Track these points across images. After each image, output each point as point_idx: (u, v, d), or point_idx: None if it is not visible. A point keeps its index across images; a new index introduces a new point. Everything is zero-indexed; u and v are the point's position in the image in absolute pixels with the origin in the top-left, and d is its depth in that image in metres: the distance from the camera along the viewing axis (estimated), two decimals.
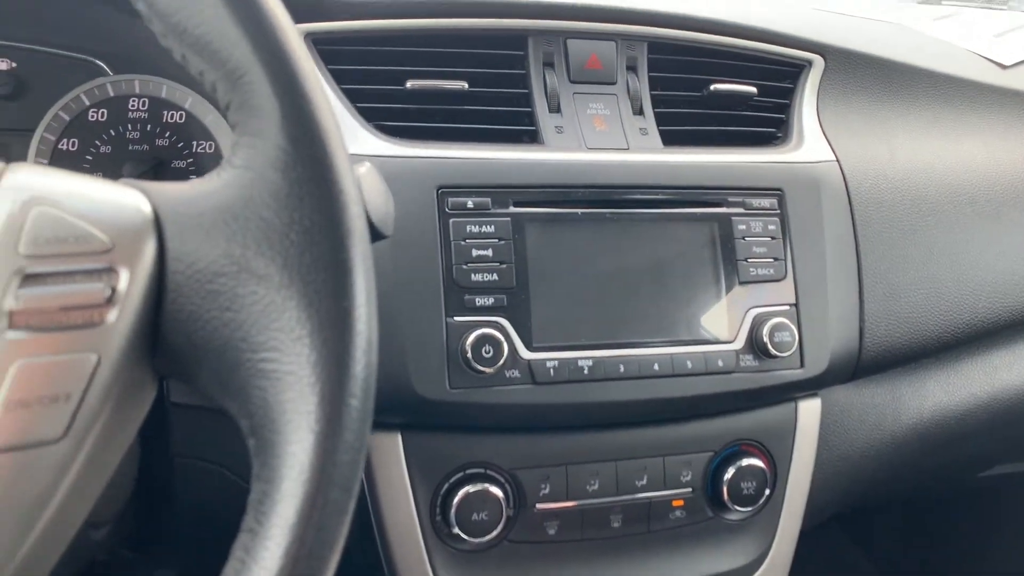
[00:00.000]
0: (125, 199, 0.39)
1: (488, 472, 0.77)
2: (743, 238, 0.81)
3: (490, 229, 0.75)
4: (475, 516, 0.76)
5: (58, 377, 0.36)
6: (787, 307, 0.82)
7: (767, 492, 0.86)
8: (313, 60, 0.41)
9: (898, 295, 0.90)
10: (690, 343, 0.79)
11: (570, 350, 0.75)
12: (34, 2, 0.80)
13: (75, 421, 0.37)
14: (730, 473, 0.84)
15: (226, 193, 0.39)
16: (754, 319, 0.80)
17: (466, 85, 0.80)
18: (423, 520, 0.77)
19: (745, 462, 0.84)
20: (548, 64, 0.84)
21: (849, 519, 1.22)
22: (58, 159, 0.81)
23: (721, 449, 0.84)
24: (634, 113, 0.85)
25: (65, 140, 0.82)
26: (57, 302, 0.36)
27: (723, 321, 0.80)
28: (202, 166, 0.84)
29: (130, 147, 0.83)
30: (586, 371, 0.75)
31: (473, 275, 0.74)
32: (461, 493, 0.76)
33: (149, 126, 0.83)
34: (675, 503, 0.83)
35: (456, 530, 0.76)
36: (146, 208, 0.39)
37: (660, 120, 0.85)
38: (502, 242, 0.75)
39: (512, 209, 0.76)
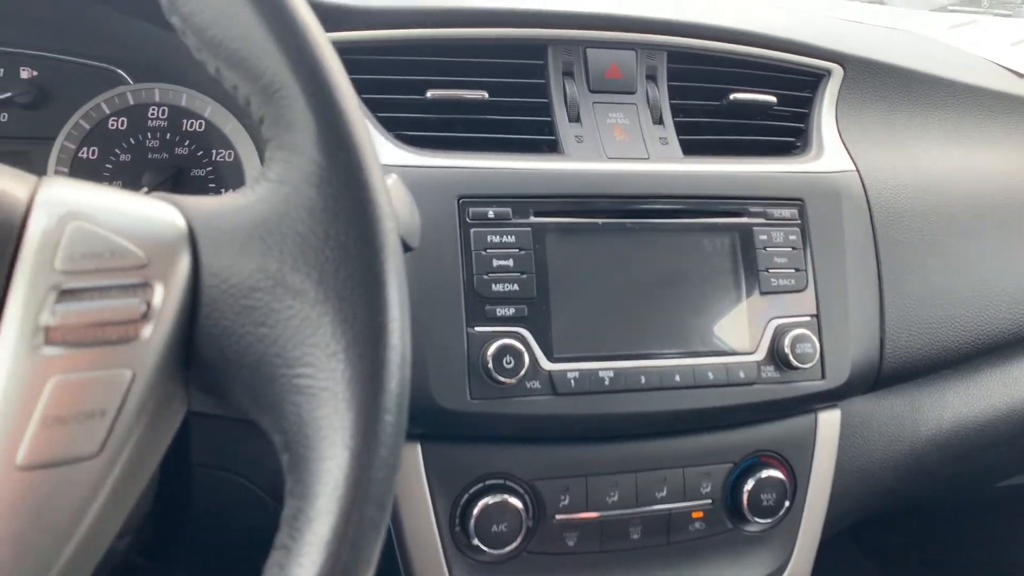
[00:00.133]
0: (159, 213, 0.39)
1: (507, 483, 0.77)
2: (764, 248, 0.81)
3: (510, 239, 0.75)
4: (495, 527, 0.76)
5: (94, 393, 0.36)
6: (808, 318, 0.82)
7: (787, 503, 0.86)
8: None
9: (918, 306, 0.90)
10: (711, 354, 0.78)
11: (591, 361, 0.75)
12: (56, 11, 0.80)
13: (110, 437, 0.37)
14: (750, 484, 0.83)
15: (261, 208, 0.39)
16: (775, 330, 0.80)
17: (486, 95, 0.80)
18: (442, 531, 0.76)
19: (765, 473, 0.84)
20: (568, 73, 0.83)
21: (863, 529, 1.21)
22: (78, 168, 0.81)
23: (741, 460, 0.84)
24: (654, 122, 0.85)
25: (85, 148, 0.82)
26: (93, 318, 0.36)
27: (744, 332, 0.79)
28: (221, 174, 0.84)
29: (150, 156, 0.83)
30: (607, 382, 0.75)
31: (494, 285, 0.74)
32: (481, 504, 0.76)
33: (169, 135, 0.83)
34: (695, 515, 0.83)
35: (475, 541, 0.76)
36: (180, 222, 0.39)
37: (680, 129, 0.85)
38: (523, 252, 0.75)
39: (532, 219, 0.76)
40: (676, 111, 0.86)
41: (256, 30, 0.39)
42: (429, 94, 0.79)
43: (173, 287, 0.38)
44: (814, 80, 0.92)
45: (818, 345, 0.81)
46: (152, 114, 0.83)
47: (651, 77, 0.85)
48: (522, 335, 0.74)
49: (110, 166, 0.82)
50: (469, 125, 0.80)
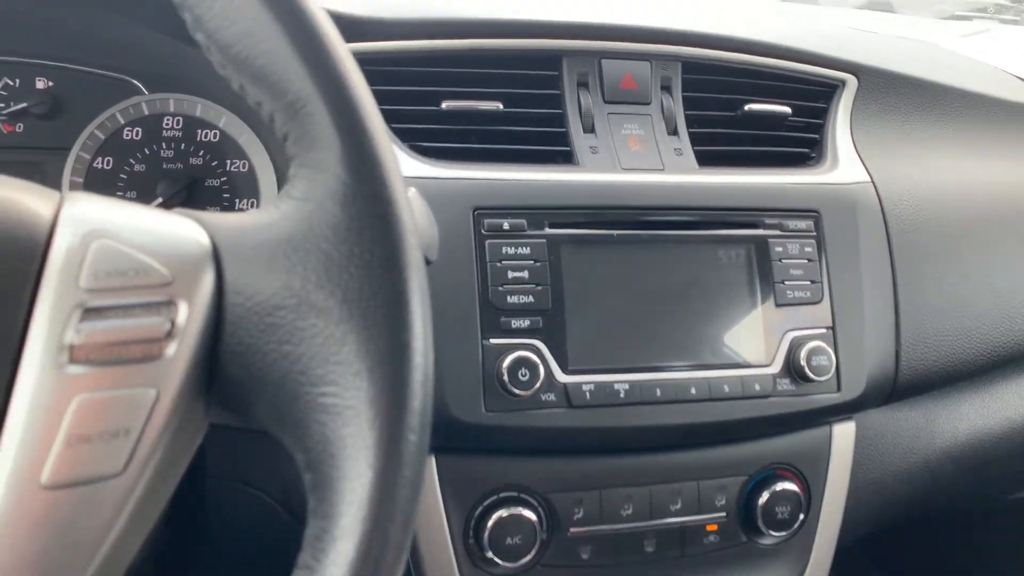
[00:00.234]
0: (183, 231, 0.39)
1: (522, 496, 0.77)
2: (780, 260, 0.81)
3: (525, 251, 0.75)
4: (509, 540, 0.76)
5: (118, 412, 0.36)
6: (824, 330, 0.81)
7: (801, 516, 0.85)
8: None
9: (934, 318, 0.89)
10: (726, 367, 0.78)
11: (606, 373, 0.75)
12: (71, 22, 0.80)
13: (134, 456, 0.36)
14: (764, 497, 0.83)
15: (285, 225, 0.39)
16: (791, 342, 0.79)
17: (501, 106, 0.80)
18: (456, 543, 0.76)
19: (779, 486, 0.83)
20: (582, 84, 0.83)
21: (877, 541, 1.20)
22: (93, 178, 0.82)
23: (755, 473, 0.84)
24: (668, 133, 0.84)
25: (100, 159, 0.82)
26: (117, 336, 0.36)
27: (760, 344, 0.79)
28: (235, 185, 0.84)
29: (164, 166, 0.83)
30: (622, 395, 0.75)
31: (509, 297, 0.74)
32: (495, 517, 0.75)
33: (183, 145, 0.83)
34: (709, 528, 0.82)
35: (489, 554, 0.76)
36: (204, 240, 0.39)
37: (695, 140, 0.85)
38: (537, 263, 0.75)
39: (547, 230, 0.76)
40: (691, 122, 0.85)
41: (281, 47, 0.38)
42: (444, 105, 0.79)
43: (197, 305, 0.38)
44: (828, 91, 0.92)
45: (834, 358, 0.80)
46: (167, 124, 0.83)
47: (666, 88, 0.85)
48: (537, 347, 0.73)
49: (125, 176, 0.82)
50: (484, 136, 0.80)
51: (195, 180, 0.83)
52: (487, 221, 0.75)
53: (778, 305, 0.80)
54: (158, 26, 0.76)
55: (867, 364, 0.83)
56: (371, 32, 0.78)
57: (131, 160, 0.82)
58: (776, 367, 0.79)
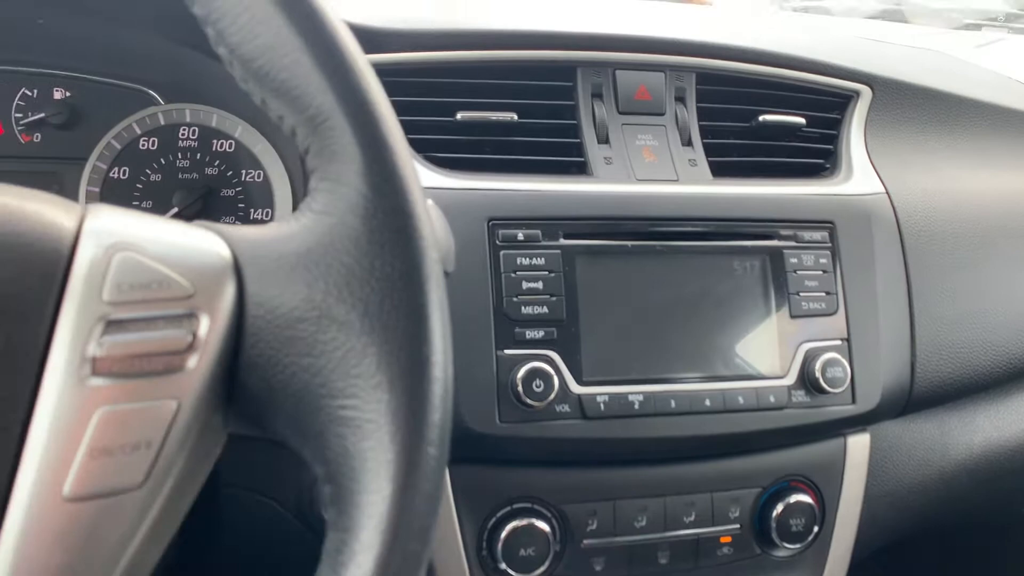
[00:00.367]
0: (205, 243, 0.39)
1: (535, 507, 0.77)
2: (795, 271, 0.80)
3: (540, 261, 0.75)
4: (522, 551, 0.76)
5: (139, 424, 0.36)
6: (839, 342, 0.81)
7: (815, 529, 0.85)
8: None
9: (949, 329, 0.89)
10: (741, 378, 0.78)
11: (620, 384, 0.75)
12: (89, 33, 0.81)
13: (154, 468, 0.36)
14: (778, 509, 0.82)
15: (306, 238, 0.39)
16: (806, 354, 0.79)
17: (515, 116, 0.80)
18: (469, 554, 0.76)
19: (793, 498, 0.83)
20: (597, 95, 0.83)
21: (891, 553, 1.19)
22: (109, 188, 0.82)
23: (769, 485, 0.83)
24: (683, 144, 0.84)
25: (116, 168, 0.82)
26: (139, 349, 0.36)
27: (775, 356, 0.79)
28: (250, 195, 0.84)
29: (180, 175, 0.83)
30: (637, 406, 0.74)
31: (523, 308, 0.74)
32: (508, 527, 0.75)
33: (199, 155, 0.84)
34: (723, 539, 0.82)
35: (503, 565, 0.76)
36: (225, 252, 0.39)
37: (709, 151, 0.85)
38: (552, 275, 0.75)
39: (562, 241, 0.76)
40: (705, 133, 0.85)
41: (303, 61, 0.39)
42: (459, 116, 0.79)
43: (218, 317, 0.38)
44: (842, 101, 0.92)
45: (849, 369, 0.80)
46: (183, 134, 0.84)
47: (680, 99, 0.85)
48: (551, 358, 0.73)
49: (141, 186, 0.83)
50: (498, 147, 0.80)
51: (210, 190, 0.83)
52: (502, 232, 0.75)
53: (793, 316, 0.80)
54: (175, 37, 0.76)
55: (882, 376, 0.83)
56: (387, 44, 0.78)
57: (147, 170, 0.83)
58: (791, 379, 0.79)
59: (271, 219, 0.84)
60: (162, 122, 0.83)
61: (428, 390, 0.38)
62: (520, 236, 0.75)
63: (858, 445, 0.87)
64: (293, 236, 0.39)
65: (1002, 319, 0.93)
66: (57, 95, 0.83)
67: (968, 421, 0.96)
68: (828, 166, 0.90)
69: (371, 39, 0.78)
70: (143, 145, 0.83)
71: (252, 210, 0.84)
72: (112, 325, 0.36)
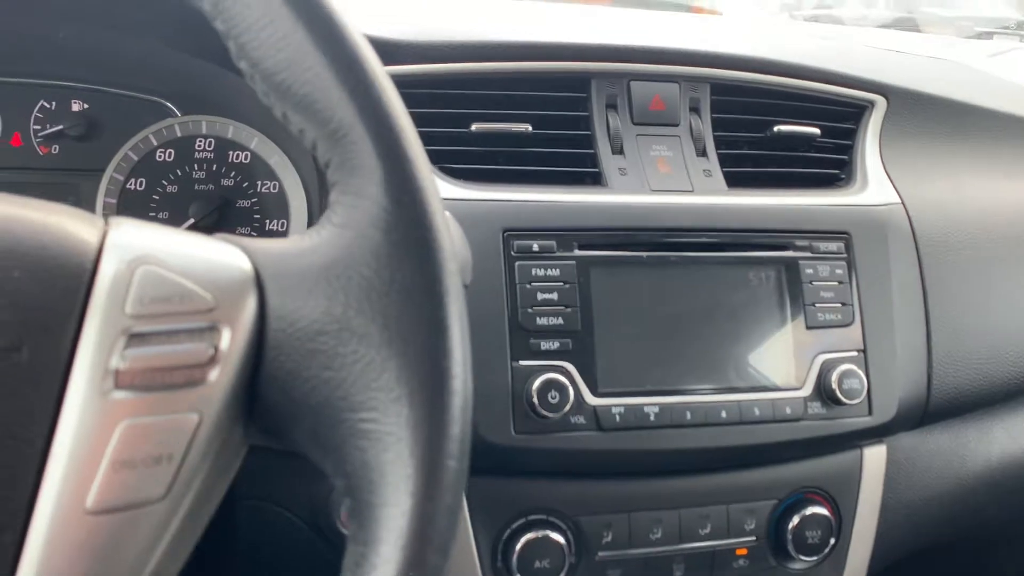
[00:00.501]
0: (226, 257, 0.40)
1: (550, 519, 0.76)
2: (810, 282, 0.80)
3: (555, 272, 0.75)
4: (537, 563, 0.75)
5: (162, 437, 0.36)
6: (855, 353, 0.80)
7: (832, 541, 0.84)
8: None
9: (966, 340, 0.88)
10: (757, 389, 0.77)
11: (636, 396, 0.74)
12: (107, 46, 0.81)
13: (176, 481, 0.37)
14: (794, 522, 0.82)
15: (327, 251, 0.39)
16: (822, 365, 0.79)
17: (530, 127, 0.80)
18: (484, 566, 0.76)
19: (810, 510, 0.82)
20: (611, 106, 0.83)
21: (908, 566, 1.19)
22: (126, 199, 0.83)
23: (785, 497, 0.83)
24: (697, 155, 0.84)
25: (133, 180, 0.83)
26: (162, 362, 0.36)
27: (790, 367, 0.78)
28: (266, 206, 0.85)
29: (196, 187, 0.84)
30: (652, 418, 0.74)
31: (538, 319, 0.74)
32: (523, 540, 0.75)
33: (215, 166, 0.84)
34: (739, 552, 0.82)
35: None
36: (246, 265, 0.39)
37: (723, 162, 0.85)
38: (567, 285, 0.75)
39: (577, 252, 0.76)
40: (720, 143, 0.85)
41: (325, 75, 0.39)
42: (474, 127, 0.79)
43: (240, 330, 0.38)
44: (857, 111, 0.92)
45: (865, 381, 0.80)
46: (199, 146, 0.84)
47: (694, 109, 0.85)
48: (567, 369, 0.73)
49: (157, 197, 0.83)
50: (513, 158, 0.80)
51: (226, 201, 0.84)
52: (517, 243, 0.75)
53: (808, 327, 0.79)
54: (192, 49, 0.77)
55: (899, 387, 0.83)
56: (402, 55, 0.78)
57: (163, 181, 0.83)
58: (807, 390, 0.79)
59: (286, 230, 0.84)
60: (178, 134, 0.84)
61: (448, 403, 0.38)
62: (535, 247, 0.75)
63: (874, 457, 0.86)
64: (314, 249, 0.40)
65: (1019, 329, 0.92)
66: (75, 107, 0.83)
67: (985, 432, 0.96)
68: (843, 176, 0.90)
69: (386, 51, 0.78)
70: (160, 156, 0.84)
71: (268, 221, 0.84)
72: (135, 338, 0.36)
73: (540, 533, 0.75)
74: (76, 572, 0.35)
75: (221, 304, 0.38)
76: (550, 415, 0.71)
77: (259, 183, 0.84)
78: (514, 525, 0.76)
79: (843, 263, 0.82)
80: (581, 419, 0.73)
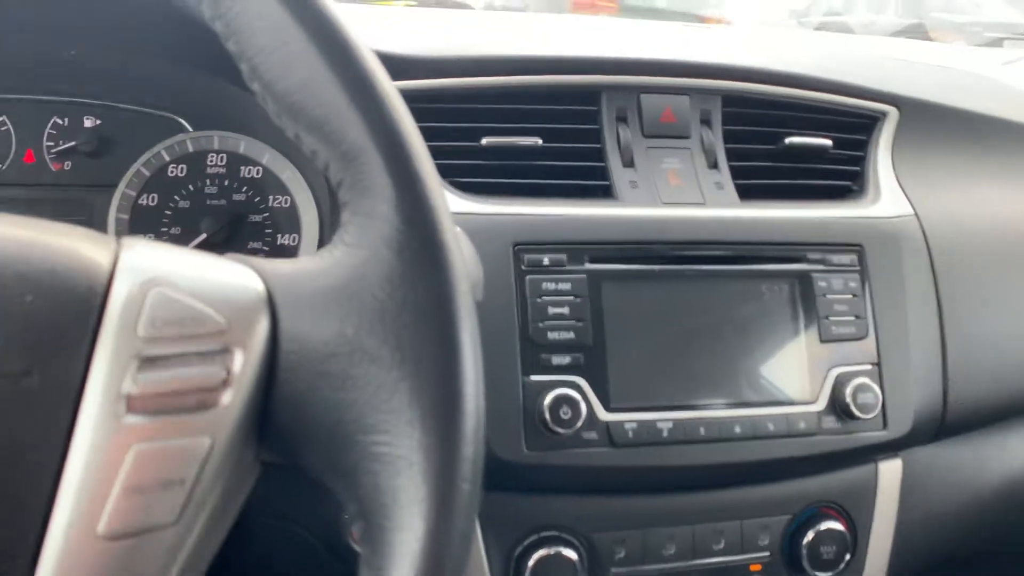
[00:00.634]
0: (238, 278, 0.39)
1: (563, 535, 0.76)
2: (824, 295, 0.79)
3: (566, 286, 0.75)
4: None
5: (173, 462, 0.36)
6: (869, 366, 0.80)
7: (847, 556, 0.83)
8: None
9: (981, 353, 0.88)
10: (770, 404, 0.77)
11: (649, 411, 0.74)
12: (119, 63, 0.82)
13: (188, 505, 0.36)
14: (809, 537, 0.81)
15: (338, 272, 0.39)
16: (836, 379, 0.78)
17: (540, 141, 0.80)
18: None
19: (824, 525, 0.82)
20: (621, 119, 0.83)
21: None
22: (138, 215, 0.83)
23: (800, 512, 0.82)
24: (709, 167, 0.84)
25: (145, 195, 0.83)
26: (174, 386, 0.36)
27: (804, 381, 0.78)
28: (278, 221, 0.85)
29: (208, 202, 0.84)
30: (665, 433, 0.74)
31: (549, 333, 0.73)
32: (535, 556, 0.74)
33: (227, 181, 0.84)
34: (753, 568, 0.81)
35: None
36: (259, 287, 0.39)
37: (735, 174, 0.84)
38: (578, 299, 0.75)
39: (588, 266, 0.76)
40: (731, 155, 0.85)
41: (338, 97, 0.39)
42: (484, 141, 0.79)
43: (252, 353, 0.38)
44: (869, 123, 0.91)
45: (880, 394, 0.79)
46: (211, 161, 0.84)
47: (705, 122, 0.85)
48: (578, 384, 0.73)
49: (169, 212, 0.83)
50: (523, 171, 0.80)
51: (238, 216, 0.84)
52: (527, 256, 0.75)
53: (822, 341, 0.79)
54: (204, 66, 0.77)
55: (914, 400, 0.82)
56: (412, 70, 0.79)
57: (176, 196, 0.84)
58: (821, 404, 0.78)
59: (298, 245, 0.84)
60: (190, 149, 0.84)
61: (461, 426, 0.38)
62: (546, 261, 0.75)
63: (890, 471, 0.86)
64: (326, 270, 0.39)
65: None
66: (88, 123, 0.84)
67: (1002, 446, 0.95)
68: (856, 188, 0.89)
69: (396, 66, 0.78)
70: (172, 172, 0.84)
71: (280, 236, 0.84)
72: (147, 362, 0.36)
73: (552, 550, 0.75)
74: None
75: (233, 326, 0.38)
76: (562, 431, 0.71)
77: (271, 198, 0.85)
78: (526, 542, 0.75)
79: (856, 275, 0.81)
80: (593, 435, 0.73)
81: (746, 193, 0.83)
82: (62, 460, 0.35)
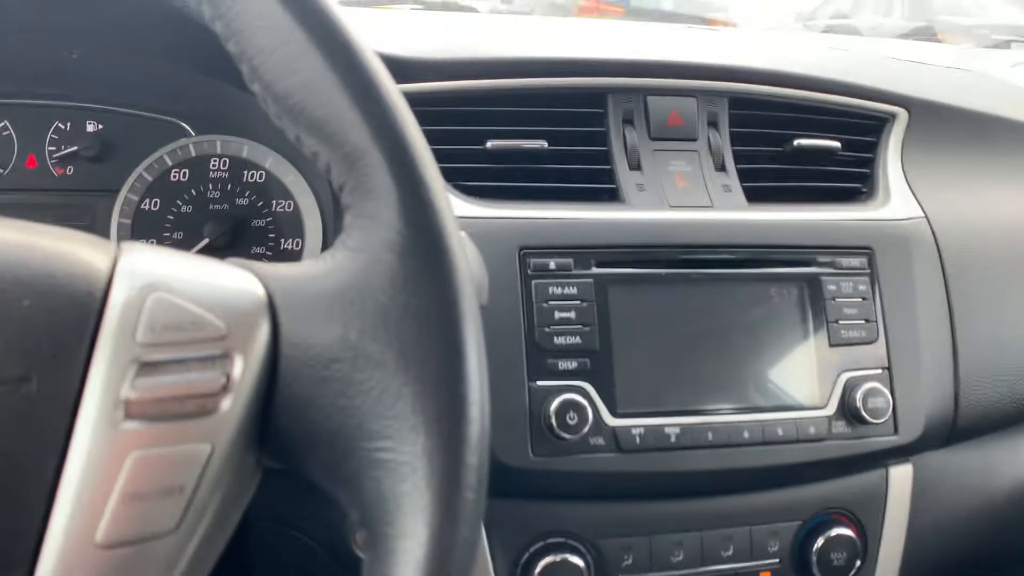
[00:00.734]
0: (238, 283, 0.39)
1: (569, 542, 0.75)
2: (833, 299, 0.79)
3: (572, 291, 0.74)
4: None
5: (173, 469, 0.35)
6: (880, 371, 0.79)
7: (857, 563, 0.82)
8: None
9: (994, 356, 0.86)
10: (779, 409, 0.76)
11: (656, 416, 0.73)
12: (121, 66, 0.81)
13: (188, 512, 0.36)
14: (819, 543, 0.80)
15: (341, 276, 0.38)
16: (846, 383, 0.77)
17: (546, 144, 0.80)
18: None
19: (834, 531, 0.80)
20: (628, 121, 0.82)
21: None
22: (140, 219, 0.82)
23: (809, 518, 0.81)
24: (716, 170, 0.83)
25: (148, 200, 0.83)
26: (173, 392, 0.35)
27: (814, 386, 0.77)
28: (281, 225, 0.84)
29: (211, 207, 0.83)
30: (673, 439, 0.73)
31: (556, 338, 0.73)
32: (542, 563, 0.74)
33: (230, 185, 0.84)
34: (762, 574, 0.80)
35: None
36: (260, 291, 0.39)
37: (743, 176, 0.83)
38: (585, 304, 0.74)
39: (594, 270, 0.75)
40: (739, 158, 0.84)
41: (339, 98, 0.38)
42: (489, 144, 0.78)
43: (252, 358, 0.37)
44: (878, 124, 0.90)
45: (890, 399, 0.78)
46: (213, 165, 0.84)
47: (712, 124, 0.84)
48: (585, 389, 0.72)
49: (172, 217, 0.83)
50: (529, 175, 0.80)
51: (241, 221, 0.83)
52: (533, 261, 0.74)
53: (832, 345, 0.78)
54: (206, 69, 0.76)
55: (925, 405, 0.81)
56: (415, 73, 0.78)
57: (178, 201, 0.83)
58: (831, 409, 0.77)
59: (301, 249, 0.84)
60: (193, 153, 0.84)
61: (465, 432, 0.37)
62: (552, 265, 0.74)
63: (900, 476, 0.84)
64: (328, 274, 0.39)
65: None
66: (90, 128, 0.83)
67: (1014, 450, 0.93)
68: (865, 190, 0.88)
69: (400, 69, 0.77)
70: (174, 176, 0.83)
71: (283, 240, 0.84)
72: (146, 367, 0.35)
73: (559, 556, 0.74)
74: None
75: (233, 331, 0.37)
76: (568, 436, 0.70)
77: (274, 202, 0.84)
78: (533, 548, 0.74)
79: (866, 279, 0.80)
80: (600, 440, 0.72)
81: (754, 196, 0.83)
82: (59, 467, 0.34)
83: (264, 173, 0.84)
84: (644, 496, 0.76)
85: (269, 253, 0.83)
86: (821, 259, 0.79)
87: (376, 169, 0.38)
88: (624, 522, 0.76)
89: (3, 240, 0.37)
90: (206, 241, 0.81)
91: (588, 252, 0.75)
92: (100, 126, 0.84)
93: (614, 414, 0.72)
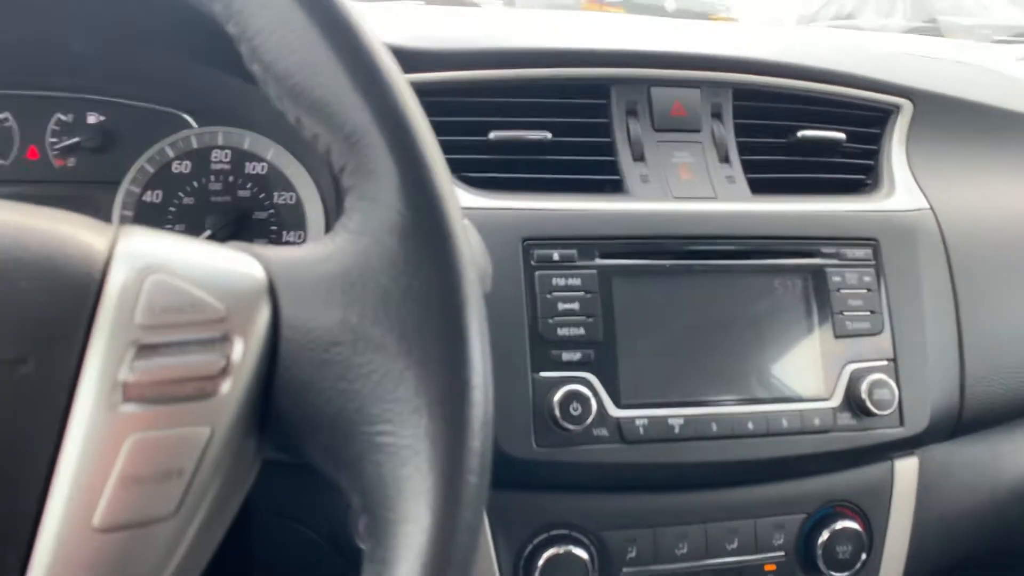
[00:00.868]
0: (238, 265, 0.38)
1: (573, 534, 0.74)
2: (838, 290, 0.78)
3: (576, 282, 0.73)
4: None
5: (171, 452, 0.35)
6: (885, 362, 0.78)
7: (863, 556, 0.81)
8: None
9: (1000, 348, 0.86)
10: (784, 400, 0.75)
11: (660, 407, 0.73)
12: (122, 57, 0.81)
13: (187, 496, 0.35)
14: (824, 536, 0.79)
15: (342, 259, 0.38)
16: (851, 375, 0.77)
17: (549, 135, 0.79)
18: None
19: (840, 524, 0.80)
20: (631, 112, 0.82)
21: None
22: (142, 211, 0.82)
23: (815, 511, 0.80)
24: (720, 161, 0.83)
25: (149, 192, 0.82)
26: (172, 374, 0.35)
27: (819, 377, 0.76)
28: (283, 217, 0.84)
29: (212, 199, 0.83)
30: (677, 430, 0.72)
31: (559, 329, 0.72)
32: (545, 555, 0.73)
33: (231, 177, 0.84)
34: (767, 568, 0.79)
35: None
36: (260, 274, 0.38)
37: (747, 168, 0.83)
38: (588, 295, 0.73)
39: (598, 261, 0.74)
40: (743, 149, 0.83)
41: (340, 79, 0.38)
42: (492, 135, 0.78)
43: (252, 341, 0.37)
44: (883, 116, 0.90)
45: (896, 391, 0.77)
46: (215, 157, 0.84)
47: (716, 115, 0.84)
48: (589, 380, 0.72)
49: (174, 209, 0.83)
50: (532, 166, 0.79)
51: (243, 212, 0.83)
52: (536, 252, 0.73)
53: (837, 336, 0.77)
54: (207, 59, 0.76)
55: (931, 397, 0.80)
56: (418, 63, 0.77)
57: (180, 193, 0.83)
58: (836, 401, 0.76)
59: (304, 241, 0.83)
60: (195, 145, 0.83)
61: (468, 415, 0.36)
62: (555, 256, 0.74)
63: (906, 469, 0.84)
64: (329, 257, 0.38)
65: None
66: (91, 119, 0.83)
67: (1020, 444, 0.93)
68: (869, 182, 0.88)
69: (403, 58, 0.77)
70: (176, 168, 0.83)
71: (285, 232, 0.83)
72: (144, 349, 0.35)
73: (563, 548, 0.73)
74: None
75: (233, 314, 0.37)
76: (572, 427, 0.70)
77: (276, 194, 0.84)
78: (536, 540, 0.74)
79: (871, 270, 0.80)
80: (604, 431, 0.71)
81: (758, 187, 0.82)
82: (57, 450, 0.34)
83: (266, 165, 0.84)
84: (648, 488, 0.76)
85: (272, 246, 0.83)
86: (826, 250, 0.79)
87: (377, 150, 0.37)
88: (628, 514, 0.76)
89: (2, 222, 0.37)
90: (208, 233, 0.81)
91: (592, 243, 0.75)
92: (102, 117, 0.83)
93: (618, 405, 0.72)
